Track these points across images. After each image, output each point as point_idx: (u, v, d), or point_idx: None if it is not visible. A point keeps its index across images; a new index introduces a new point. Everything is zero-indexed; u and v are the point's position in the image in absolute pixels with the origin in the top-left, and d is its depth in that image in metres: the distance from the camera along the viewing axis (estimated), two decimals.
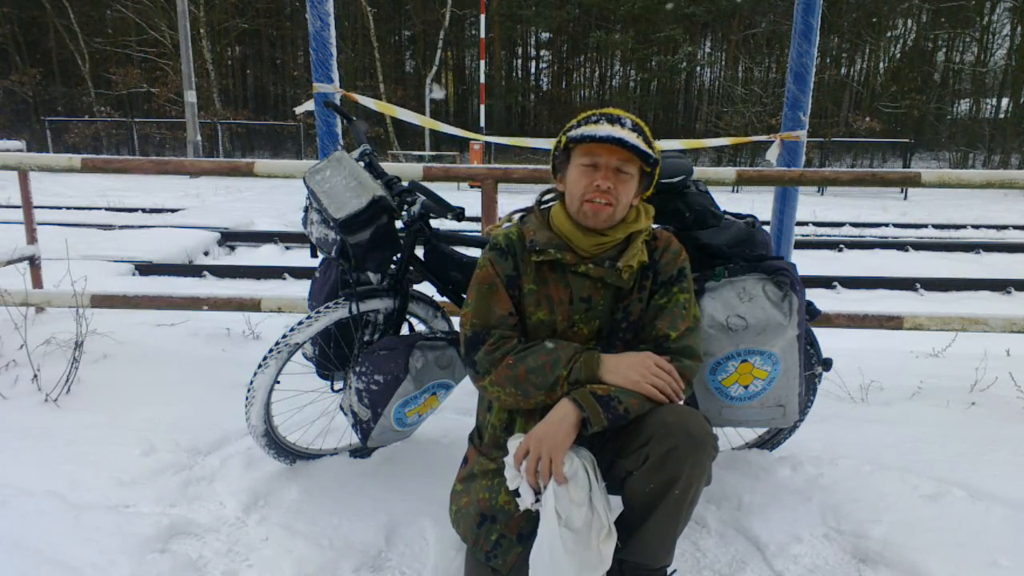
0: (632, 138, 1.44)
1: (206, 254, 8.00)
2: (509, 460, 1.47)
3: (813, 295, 4.55)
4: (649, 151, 1.47)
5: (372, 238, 1.94)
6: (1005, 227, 10.78)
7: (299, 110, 3.47)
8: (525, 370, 1.48)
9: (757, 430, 2.30)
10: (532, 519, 1.45)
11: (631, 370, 1.45)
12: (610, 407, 1.41)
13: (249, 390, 1.92)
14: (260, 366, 1.92)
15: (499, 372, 1.51)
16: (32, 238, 3.58)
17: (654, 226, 1.67)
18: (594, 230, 1.53)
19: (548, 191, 1.69)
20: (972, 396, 2.81)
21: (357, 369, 1.92)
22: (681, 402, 1.50)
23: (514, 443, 1.48)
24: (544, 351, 1.50)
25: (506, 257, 1.59)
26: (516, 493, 1.45)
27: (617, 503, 1.53)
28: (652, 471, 1.40)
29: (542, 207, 1.67)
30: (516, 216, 1.71)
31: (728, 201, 13.39)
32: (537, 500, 1.42)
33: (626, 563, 1.52)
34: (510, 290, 1.58)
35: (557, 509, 1.37)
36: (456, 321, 2.27)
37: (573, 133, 1.49)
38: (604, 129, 1.44)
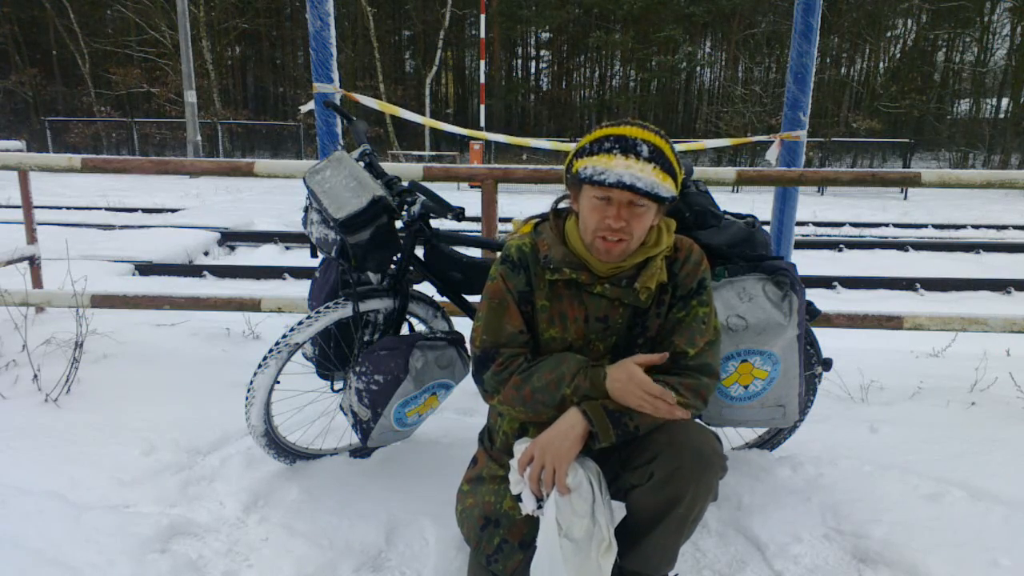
0: (647, 174, 1.31)
1: (206, 254, 7.99)
2: (513, 464, 1.45)
3: (813, 295, 4.54)
4: (666, 190, 1.33)
5: (372, 238, 1.94)
6: (1005, 227, 10.78)
7: (304, 109, 3.47)
8: (531, 390, 1.45)
9: (757, 430, 2.30)
10: (535, 526, 1.44)
11: (628, 394, 1.37)
12: (620, 423, 1.38)
13: (249, 390, 1.92)
14: (260, 366, 1.92)
15: (506, 393, 1.48)
16: (32, 238, 3.58)
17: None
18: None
19: (564, 196, 1.57)
20: (972, 396, 2.81)
21: (357, 369, 1.92)
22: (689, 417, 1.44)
23: (520, 447, 1.46)
24: (548, 368, 1.45)
25: (518, 271, 1.52)
26: (518, 498, 1.45)
27: (619, 508, 1.52)
28: (657, 488, 1.39)
29: (557, 217, 1.56)
30: (531, 222, 1.63)
31: (728, 201, 13.39)
32: (539, 507, 1.40)
33: (626, 571, 1.52)
34: (522, 306, 1.51)
35: (558, 519, 1.35)
36: (456, 321, 2.27)
37: (584, 168, 1.35)
38: (617, 168, 1.31)
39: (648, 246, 1.46)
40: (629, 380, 1.37)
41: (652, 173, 1.32)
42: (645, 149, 1.34)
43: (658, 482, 1.38)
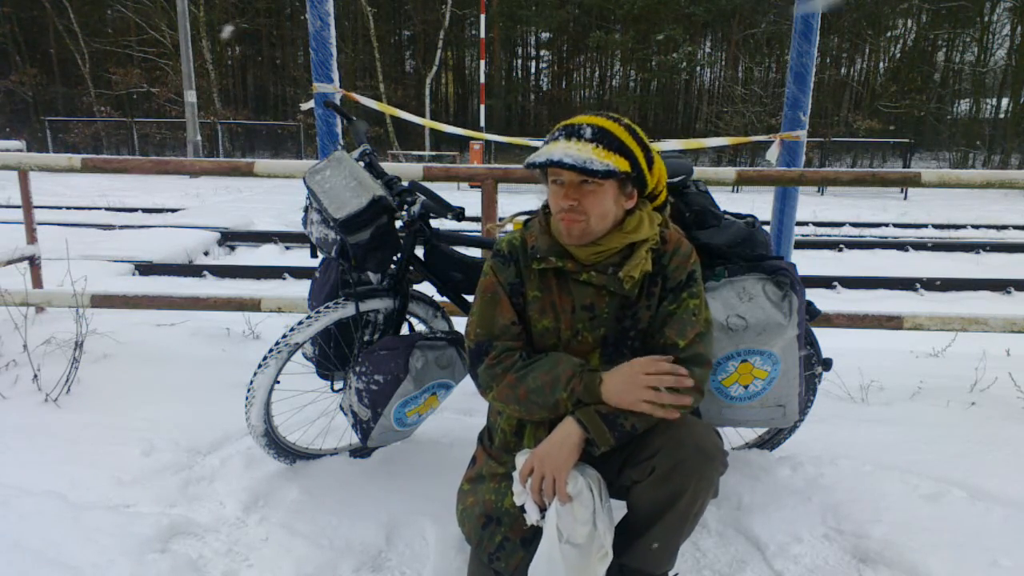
0: (582, 152, 1.35)
1: (206, 254, 7.99)
2: (516, 476, 1.46)
3: (813, 295, 4.55)
4: (601, 164, 1.34)
5: (372, 238, 1.94)
6: (1005, 227, 10.77)
7: (304, 106, 3.47)
8: (526, 391, 1.45)
9: (757, 430, 2.30)
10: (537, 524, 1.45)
11: (626, 392, 1.38)
12: (616, 425, 1.38)
13: (249, 390, 1.92)
14: (260, 366, 1.92)
15: (501, 390, 1.49)
16: (32, 238, 3.58)
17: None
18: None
19: None
20: (972, 396, 2.81)
21: (357, 369, 1.92)
22: (690, 407, 1.45)
23: (520, 459, 1.47)
24: (543, 370, 1.45)
25: (508, 264, 1.56)
26: (522, 509, 1.45)
27: (619, 506, 1.52)
28: (658, 483, 1.39)
29: (546, 211, 1.61)
30: (521, 218, 1.68)
31: (728, 201, 13.39)
32: (542, 517, 1.41)
33: (627, 568, 1.52)
34: (513, 298, 1.54)
35: (559, 527, 1.36)
36: (456, 321, 2.27)
37: (529, 158, 1.44)
38: (556, 150, 1.37)
39: (627, 231, 1.47)
40: (628, 372, 1.39)
41: (590, 152, 1.36)
42: (588, 131, 1.40)
43: (659, 477, 1.38)
